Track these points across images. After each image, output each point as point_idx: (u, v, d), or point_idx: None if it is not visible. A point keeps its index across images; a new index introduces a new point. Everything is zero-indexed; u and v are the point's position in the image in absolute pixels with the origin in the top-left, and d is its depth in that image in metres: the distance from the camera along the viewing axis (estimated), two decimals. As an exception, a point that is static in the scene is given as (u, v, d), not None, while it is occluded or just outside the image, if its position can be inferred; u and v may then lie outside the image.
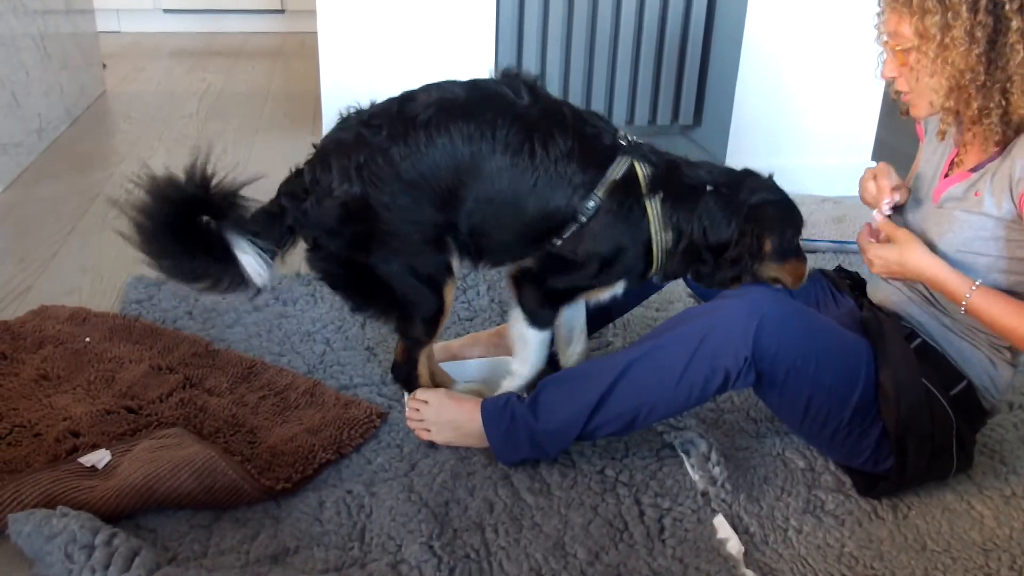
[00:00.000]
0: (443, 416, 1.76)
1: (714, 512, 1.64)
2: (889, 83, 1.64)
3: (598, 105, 3.39)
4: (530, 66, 3.26)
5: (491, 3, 3.01)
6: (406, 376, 1.89)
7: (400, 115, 1.67)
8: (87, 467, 1.59)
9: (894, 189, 1.68)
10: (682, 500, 1.66)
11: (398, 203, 1.66)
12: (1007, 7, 1.45)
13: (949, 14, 1.47)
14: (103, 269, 2.52)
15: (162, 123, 3.92)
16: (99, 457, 1.61)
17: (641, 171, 1.72)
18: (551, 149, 1.68)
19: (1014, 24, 1.45)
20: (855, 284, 1.89)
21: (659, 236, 1.73)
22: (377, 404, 1.91)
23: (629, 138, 1.76)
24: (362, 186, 1.65)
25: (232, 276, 1.70)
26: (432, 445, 1.78)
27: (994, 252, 1.56)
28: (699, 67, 3.35)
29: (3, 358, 1.97)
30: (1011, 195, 1.51)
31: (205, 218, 1.70)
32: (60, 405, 1.80)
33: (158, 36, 5.63)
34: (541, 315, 1.81)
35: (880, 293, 1.78)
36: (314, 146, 1.76)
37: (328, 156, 1.69)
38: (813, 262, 2.02)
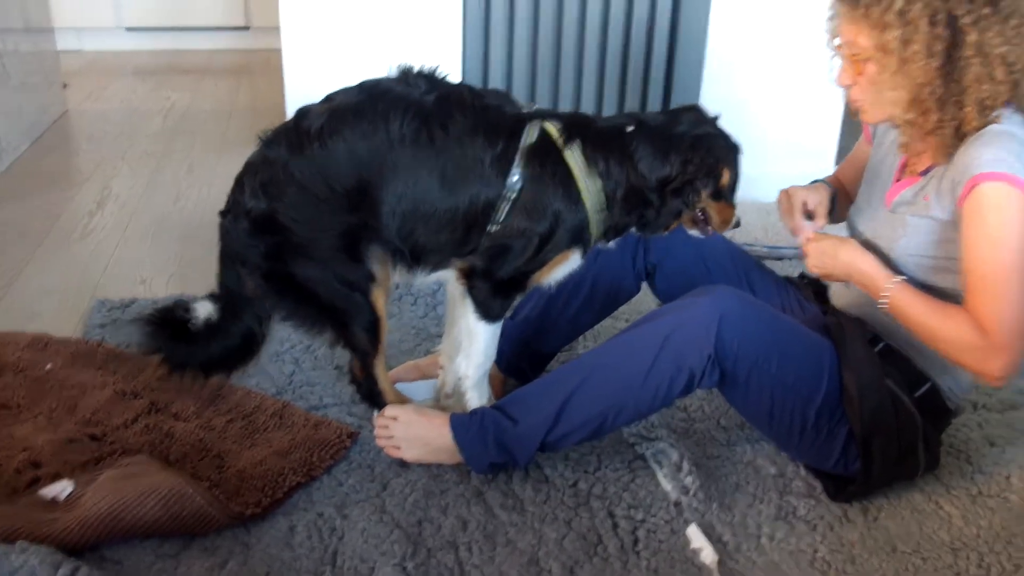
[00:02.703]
0: (412, 432, 1.75)
1: (687, 522, 1.64)
2: (845, 88, 1.65)
3: (564, 116, 3.39)
4: (496, 85, 3.25)
5: (457, 19, 3.01)
6: (369, 392, 1.88)
7: (296, 129, 1.71)
8: (48, 499, 1.56)
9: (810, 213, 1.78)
10: (655, 511, 1.66)
11: (304, 214, 1.69)
12: (963, 20, 1.46)
13: (909, 28, 1.48)
14: (65, 294, 2.48)
15: (126, 142, 3.88)
16: (61, 488, 1.58)
17: (553, 129, 1.70)
18: (451, 130, 1.67)
19: (970, 38, 1.46)
20: (818, 291, 1.91)
21: (587, 186, 1.70)
22: (347, 424, 1.89)
23: (532, 107, 1.75)
24: (268, 202, 1.69)
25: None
26: (403, 463, 1.77)
27: (944, 255, 1.58)
28: (664, 79, 3.36)
29: (-37, 388, 1.94)
30: (952, 197, 1.53)
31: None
32: (20, 435, 1.77)
33: (120, 54, 5.57)
34: (493, 307, 1.77)
35: (843, 299, 1.80)
36: None
37: (242, 177, 1.75)
38: (779, 271, 2.04)
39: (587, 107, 3.37)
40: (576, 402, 1.63)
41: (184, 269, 2.65)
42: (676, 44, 3.29)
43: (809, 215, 1.80)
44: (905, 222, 1.62)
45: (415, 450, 1.76)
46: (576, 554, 1.56)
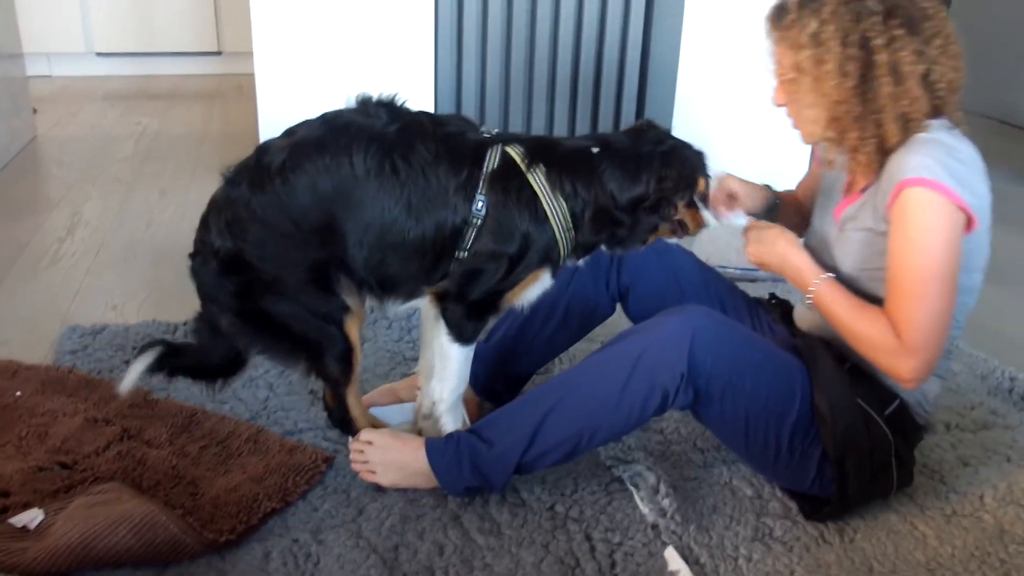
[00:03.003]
0: (388, 456, 1.74)
1: (665, 544, 1.64)
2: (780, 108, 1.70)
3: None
4: (469, 109, 3.27)
5: (429, 44, 3.04)
6: (341, 419, 1.87)
7: (257, 166, 1.69)
8: (18, 528, 1.53)
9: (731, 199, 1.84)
10: (632, 534, 1.66)
11: (269, 251, 1.69)
12: (875, 42, 1.51)
13: (821, 49, 1.54)
14: (34, 321, 2.45)
15: (96, 167, 3.85)
16: (31, 517, 1.55)
17: (515, 153, 1.72)
18: (414, 160, 1.67)
19: (880, 58, 1.51)
20: (785, 313, 1.93)
21: (552, 207, 1.71)
22: (322, 449, 1.87)
23: (493, 131, 1.77)
24: (234, 241, 1.68)
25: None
26: (379, 488, 1.76)
27: (882, 265, 1.60)
28: (635, 110, 3.40)
29: (-71, 416, 1.90)
30: (883, 205, 1.57)
31: None
32: (-11, 464, 1.74)
33: (91, 80, 5.54)
34: (466, 329, 1.78)
35: (806, 321, 1.82)
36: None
37: (207, 217, 1.73)
38: (751, 292, 2.06)
39: (560, 121, 3.40)
40: (551, 423, 1.63)
41: (156, 294, 2.63)
42: (647, 72, 3.33)
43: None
44: (850, 238, 1.66)
45: (391, 475, 1.74)
46: (554, 578, 1.55)
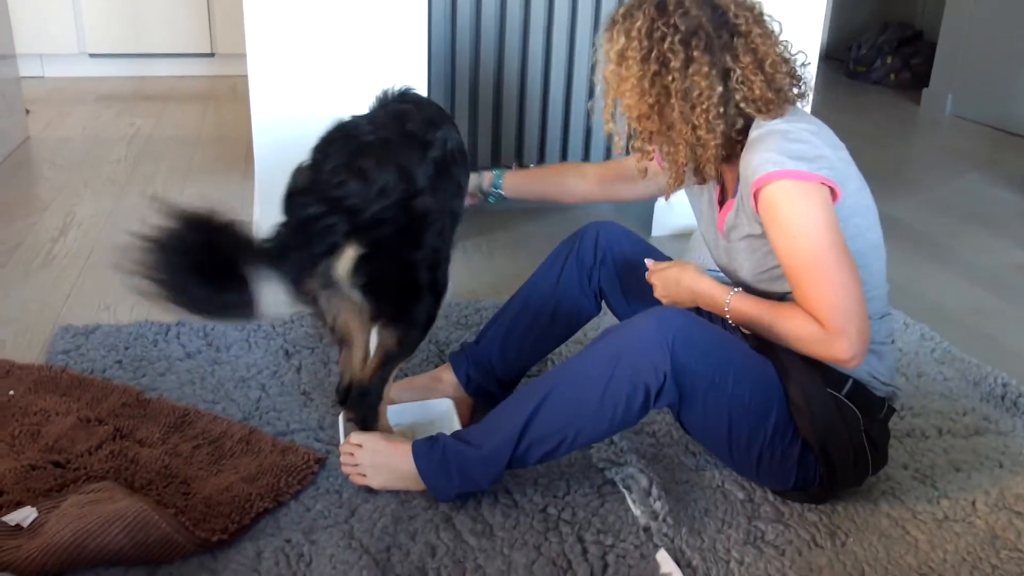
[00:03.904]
0: (377, 459, 1.74)
1: (657, 547, 1.64)
2: None
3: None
4: (462, 106, 3.29)
5: (423, 44, 3.04)
6: (376, 398, 1.79)
7: (419, 107, 1.84)
8: (11, 526, 1.53)
9: None
10: (625, 536, 1.66)
11: (437, 191, 1.71)
12: (672, 63, 1.54)
13: (623, 66, 1.58)
14: (27, 321, 2.44)
15: (89, 168, 3.84)
16: (24, 515, 1.55)
17: None
18: None
19: (673, 77, 1.54)
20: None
21: None
22: (315, 449, 1.87)
23: None
24: (410, 183, 1.65)
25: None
26: (371, 490, 1.75)
27: (776, 263, 1.62)
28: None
29: (-80, 414, 1.89)
30: (751, 209, 1.59)
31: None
32: (-19, 462, 1.73)
33: (84, 81, 5.53)
34: None
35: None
36: (321, 152, 1.67)
37: (359, 166, 1.60)
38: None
39: (553, 134, 3.41)
40: (536, 423, 1.62)
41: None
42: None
43: None
44: (739, 247, 1.69)
45: (381, 477, 1.74)
46: (547, 580, 1.55)
